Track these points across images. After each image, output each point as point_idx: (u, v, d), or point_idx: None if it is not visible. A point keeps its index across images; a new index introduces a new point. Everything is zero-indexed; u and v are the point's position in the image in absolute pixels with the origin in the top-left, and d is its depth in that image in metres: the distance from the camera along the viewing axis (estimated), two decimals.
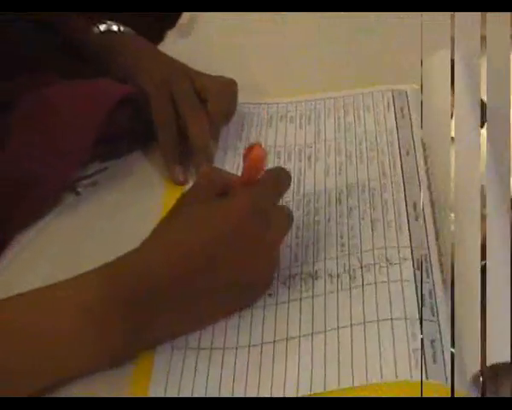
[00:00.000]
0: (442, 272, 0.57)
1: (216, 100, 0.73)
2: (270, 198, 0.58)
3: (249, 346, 0.55)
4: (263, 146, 0.58)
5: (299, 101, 0.79)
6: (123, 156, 0.73)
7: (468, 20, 0.72)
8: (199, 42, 0.89)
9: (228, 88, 0.76)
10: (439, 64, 0.73)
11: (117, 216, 0.68)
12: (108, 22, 0.80)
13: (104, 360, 0.53)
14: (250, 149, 0.57)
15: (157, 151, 0.73)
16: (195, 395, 0.52)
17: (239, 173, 0.61)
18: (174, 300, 0.53)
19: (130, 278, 0.53)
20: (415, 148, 0.69)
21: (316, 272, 0.59)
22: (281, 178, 0.60)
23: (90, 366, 0.53)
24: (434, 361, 0.50)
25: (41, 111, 0.67)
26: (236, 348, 0.55)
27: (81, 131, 0.67)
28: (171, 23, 0.92)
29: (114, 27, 0.81)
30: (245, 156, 0.58)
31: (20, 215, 0.66)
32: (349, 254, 0.60)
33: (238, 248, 0.54)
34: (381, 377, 0.50)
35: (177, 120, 0.72)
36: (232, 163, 0.72)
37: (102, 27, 0.79)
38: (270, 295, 0.58)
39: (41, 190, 0.67)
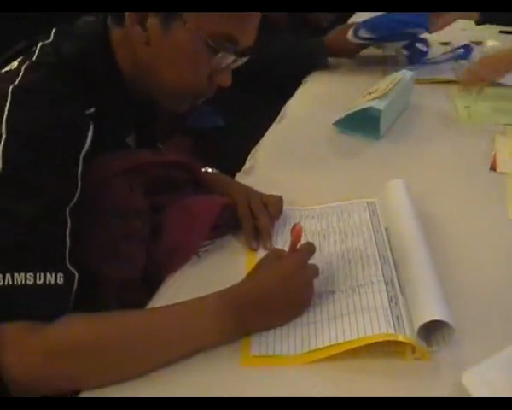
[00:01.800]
0: (399, 286, 0.86)
1: (272, 207, 1.03)
2: (306, 258, 0.86)
3: (302, 325, 0.83)
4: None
5: (316, 207, 1.09)
6: (224, 236, 1.02)
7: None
8: (256, 178, 1.20)
9: (277, 201, 1.05)
10: (393, 187, 1.05)
11: (220, 269, 0.96)
12: (206, 167, 1.12)
13: (224, 339, 0.80)
14: (294, 226, 0.88)
15: (242, 233, 1.02)
16: (275, 352, 0.79)
17: (280, 242, 0.93)
18: (260, 310, 0.81)
19: (238, 297, 0.81)
20: (381, 230, 1.00)
21: (334, 290, 0.88)
22: (311, 248, 0.88)
23: (217, 342, 0.80)
24: (398, 325, 0.79)
25: (182, 211, 0.96)
26: (295, 326, 0.83)
27: (203, 223, 0.96)
28: (239, 168, 1.23)
29: (209, 170, 1.12)
30: (292, 230, 0.88)
31: (170, 267, 0.94)
32: (351, 280, 0.89)
33: (290, 285, 0.83)
34: (372, 332, 0.78)
35: (252, 217, 1.02)
36: (280, 239, 1.01)
37: (206, 169, 1.11)
38: None
39: (181, 254, 0.95)
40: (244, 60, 0.90)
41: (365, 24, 1.68)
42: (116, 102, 0.90)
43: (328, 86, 1.68)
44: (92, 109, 0.84)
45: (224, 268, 0.96)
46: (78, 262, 0.77)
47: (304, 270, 0.85)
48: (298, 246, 0.87)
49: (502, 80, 1.68)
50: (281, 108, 1.53)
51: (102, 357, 0.74)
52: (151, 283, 0.91)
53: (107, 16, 0.89)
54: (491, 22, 1.87)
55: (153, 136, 1.05)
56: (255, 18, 0.88)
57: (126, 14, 0.84)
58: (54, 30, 0.90)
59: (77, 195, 0.79)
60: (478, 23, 1.90)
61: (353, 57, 1.79)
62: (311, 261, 0.87)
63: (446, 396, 0.74)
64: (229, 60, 0.89)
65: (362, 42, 1.69)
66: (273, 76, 1.70)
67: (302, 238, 0.87)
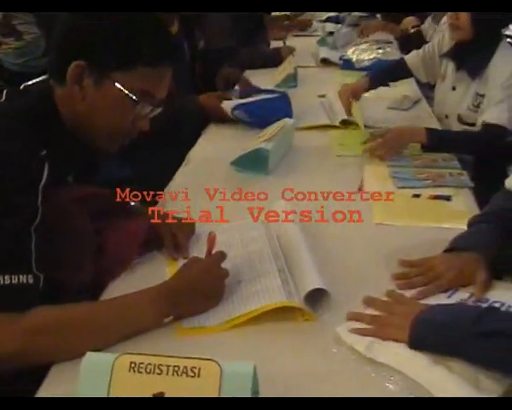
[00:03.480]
0: (289, 272, 1.20)
1: (187, 227, 1.38)
2: (219, 261, 1.20)
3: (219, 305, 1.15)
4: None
5: (221, 226, 1.43)
6: (150, 251, 1.33)
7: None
8: (172, 207, 1.52)
9: (190, 223, 1.40)
10: (279, 206, 1.41)
11: (148, 275, 1.25)
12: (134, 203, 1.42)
13: (160, 321, 1.10)
14: (209, 234, 1.20)
15: (164, 248, 1.34)
16: (200, 324, 1.10)
17: (195, 253, 1.26)
18: (186, 298, 1.13)
19: (170, 289, 1.13)
20: (273, 237, 1.35)
21: (240, 280, 1.22)
22: (222, 255, 1.22)
23: (154, 324, 1.10)
24: (290, 296, 1.13)
25: (117, 233, 1.26)
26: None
27: (134, 241, 1.28)
28: (155, 201, 1.54)
29: (132, 203, 1.42)
30: (208, 238, 1.21)
31: (111, 276, 1.24)
32: (252, 272, 1.23)
33: (209, 278, 1.16)
34: (271, 301, 1.11)
35: (172, 236, 1.34)
36: (195, 251, 1.32)
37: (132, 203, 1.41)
38: None
39: (118, 266, 1.26)
40: (159, 110, 1.22)
41: (242, 106, 2.10)
42: (60, 147, 1.18)
43: (224, 135, 2.07)
44: (44, 151, 1.12)
45: (151, 275, 1.25)
46: (43, 270, 1.05)
47: (218, 269, 1.18)
48: (213, 252, 1.20)
49: (369, 123, 2.13)
50: (179, 157, 1.88)
51: (66, 336, 1.03)
52: (97, 287, 1.19)
53: (50, 79, 1.19)
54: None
55: (88, 176, 1.33)
56: (167, 77, 1.21)
57: (67, 75, 1.14)
58: (5, 91, 1.19)
59: (38, 217, 1.06)
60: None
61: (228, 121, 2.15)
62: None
63: (328, 344, 1.07)
64: (147, 109, 1.21)
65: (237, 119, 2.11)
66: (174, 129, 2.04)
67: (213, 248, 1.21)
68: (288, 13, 4.37)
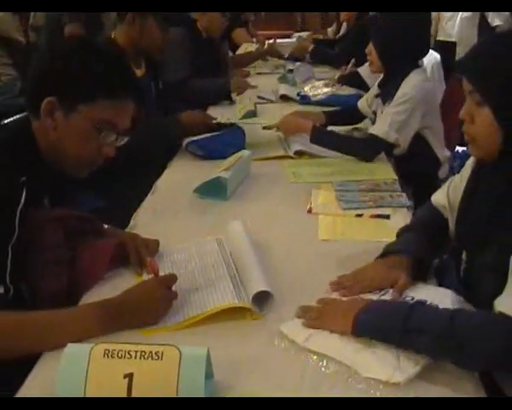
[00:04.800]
0: (240, 279, 1.42)
1: (151, 246, 1.59)
2: (166, 283, 1.38)
3: (179, 307, 1.35)
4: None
5: (181, 245, 1.64)
6: (118, 267, 1.54)
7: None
8: (139, 230, 1.74)
9: (155, 242, 1.61)
10: (233, 224, 1.64)
11: (116, 287, 1.43)
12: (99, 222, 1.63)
13: (96, 333, 1.27)
14: (148, 261, 1.43)
15: (130, 264, 1.54)
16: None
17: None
18: (128, 316, 1.31)
19: (113, 305, 1.32)
20: (226, 251, 1.57)
21: (197, 288, 1.43)
22: (172, 276, 1.41)
23: (93, 334, 1.26)
24: (240, 298, 1.35)
25: (89, 250, 1.47)
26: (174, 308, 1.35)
27: (103, 257, 1.48)
28: (125, 225, 1.75)
29: (106, 226, 1.64)
30: (148, 265, 1.43)
31: (84, 287, 1.44)
32: (207, 280, 1.45)
33: (153, 298, 1.34)
34: (223, 303, 1.33)
35: (137, 252, 1.54)
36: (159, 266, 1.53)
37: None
38: None
39: (90, 279, 1.46)
40: (126, 139, 1.45)
41: (195, 142, 2.43)
42: (37, 173, 1.39)
43: (188, 167, 2.33)
44: (24, 178, 1.33)
45: (119, 286, 1.43)
46: (22, 280, 1.25)
47: (163, 288, 1.35)
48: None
49: (321, 153, 2.38)
50: (147, 188, 2.12)
51: (17, 337, 1.21)
52: (72, 297, 1.40)
53: (28, 114, 1.41)
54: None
55: (62, 200, 1.54)
56: (127, 108, 1.45)
57: (41, 110, 1.37)
58: None
59: (15, 235, 1.27)
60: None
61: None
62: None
63: (272, 337, 1.28)
64: (111, 137, 1.44)
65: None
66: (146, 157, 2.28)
67: (171, 268, 1.45)
68: (252, 50, 4.68)
